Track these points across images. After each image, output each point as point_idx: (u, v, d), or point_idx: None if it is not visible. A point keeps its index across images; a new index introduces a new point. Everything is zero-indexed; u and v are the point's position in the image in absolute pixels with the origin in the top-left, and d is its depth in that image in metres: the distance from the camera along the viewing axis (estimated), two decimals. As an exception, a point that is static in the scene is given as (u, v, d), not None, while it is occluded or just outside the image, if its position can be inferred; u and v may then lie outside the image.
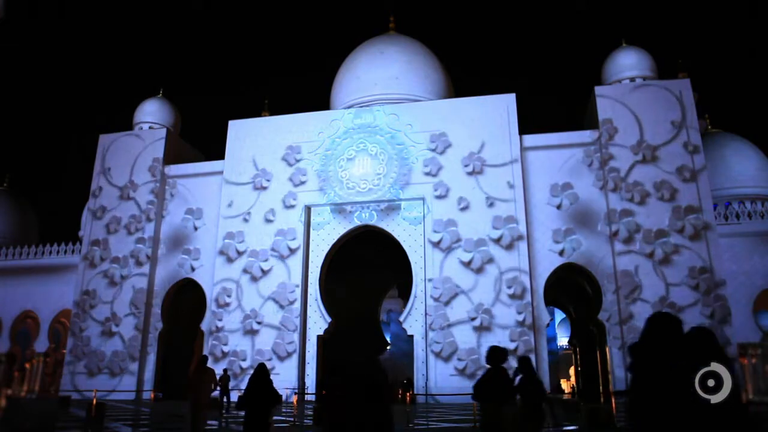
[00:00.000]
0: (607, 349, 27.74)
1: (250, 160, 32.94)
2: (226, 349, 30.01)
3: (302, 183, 31.77)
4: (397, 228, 30.73)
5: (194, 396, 13.11)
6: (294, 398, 27.29)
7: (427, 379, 27.46)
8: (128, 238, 33.77)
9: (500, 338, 27.18)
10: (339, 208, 31.49)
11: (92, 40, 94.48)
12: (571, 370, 50.35)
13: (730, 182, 36.02)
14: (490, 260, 28.52)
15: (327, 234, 31.45)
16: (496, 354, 8.00)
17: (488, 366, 8.04)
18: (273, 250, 30.95)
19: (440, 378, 27.36)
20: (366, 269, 37.27)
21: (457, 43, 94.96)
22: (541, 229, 29.22)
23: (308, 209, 31.76)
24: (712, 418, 4.24)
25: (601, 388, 30.42)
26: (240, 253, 31.34)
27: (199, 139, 48.45)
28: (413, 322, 29.08)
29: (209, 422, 16.08)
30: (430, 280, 28.88)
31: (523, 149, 30.44)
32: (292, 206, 31.52)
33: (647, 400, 4.26)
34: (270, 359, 28.76)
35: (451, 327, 27.90)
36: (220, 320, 30.50)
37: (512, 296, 27.78)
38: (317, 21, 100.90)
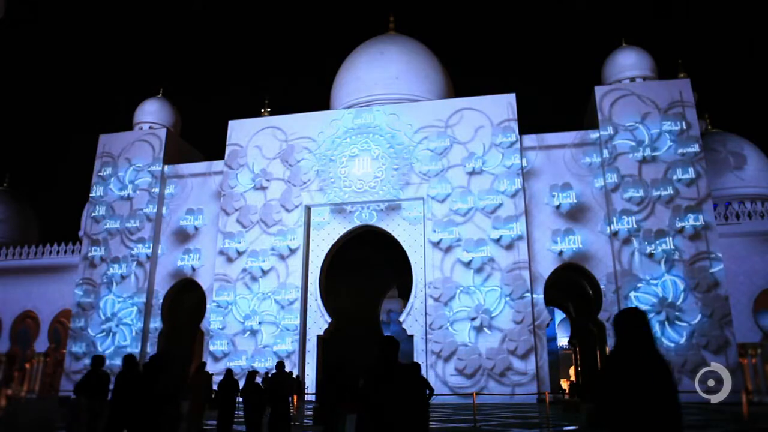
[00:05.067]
0: (607, 349, 27.74)
1: (250, 160, 32.94)
2: (226, 349, 30.02)
3: (302, 183, 31.77)
4: (397, 228, 30.73)
5: (193, 397, 13.76)
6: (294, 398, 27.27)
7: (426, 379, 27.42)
8: (128, 238, 33.78)
9: (499, 338, 27.21)
10: (339, 208, 31.49)
11: (92, 40, 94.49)
12: (571, 370, 50.33)
13: (730, 182, 36.04)
14: (490, 260, 28.52)
15: (327, 234, 31.45)
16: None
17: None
18: (273, 250, 30.95)
19: (440, 378, 27.35)
20: (366, 269, 37.27)
21: (457, 43, 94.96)
22: (541, 229, 29.22)
23: (308, 209, 31.76)
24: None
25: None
26: (240, 253, 31.34)
27: (199, 139, 48.49)
28: (413, 322, 29.08)
29: (208, 422, 16.12)
30: (430, 281, 28.88)
31: (523, 149, 30.45)
32: (292, 206, 31.52)
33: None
34: (270, 359, 28.77)
35: (451, 327, 27.90)
36: (220, 320, 30.50)
37: (512, 296, 27.77)
38: (317, 21, 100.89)
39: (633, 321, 4.17)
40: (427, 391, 8.28)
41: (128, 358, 9.94)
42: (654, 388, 3.92)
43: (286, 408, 12.48)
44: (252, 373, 13.53)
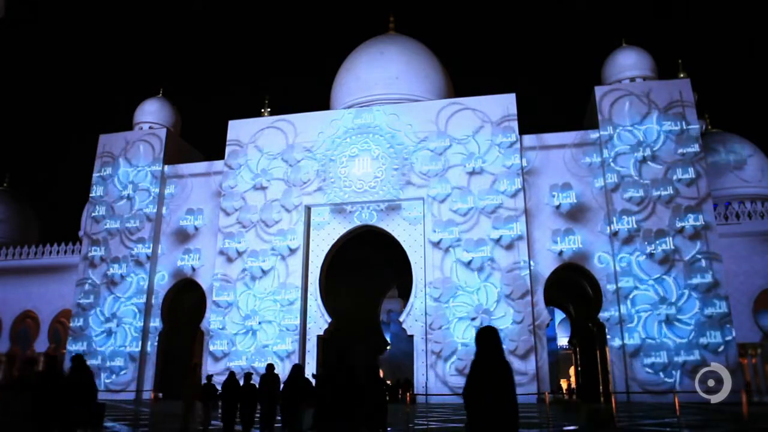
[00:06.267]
0: (607, 349, 27.74)
1: (250, 160, 32.94)
2: (226, 349, 30.02)
3: (302, 183, 31.76)
4: (397, 228, 30.72)
5: (186, 395, 15.19)
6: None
7: (427, 379, 27.45)
8: (128, 238, 33.77)
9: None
10: (339, 208, 31.48)
11: (92, 39, 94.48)
12: (571, 370, 50.34)
13: (730, 182, 36.04)
14: (490, 260, 28.52)
15: (327, 234, 31.44)
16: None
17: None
18: (273, 250, 30.94)
19: (440, 378, 27.35)
20: (366, 269, 37.26)
21: (457, 43, 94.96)
22: (541, 229, 29.21)
23: (308, 209, 31.75)
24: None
25: (601, 388, 30.43)
26: (240, 253, 31.34)
27: (199, 139, 48.48)
28: (413, 322, 29.07)
29: (213, 422, 16.22)
30: (430, 281, 28.87)
31: (523, 149, 30.44)
32: (292, 206, 31.51)
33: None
34: (270, 359, 28.76)
35: (451, 327, 27.89)
36: (220, 320, 30.50)
37: (512, 296, 27.76)
38: (317, 21, 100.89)
39: (486, 336, 5.48)
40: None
41: (49, 358, 10.13)
42: (496, 385, 5.23)
43: (271, 408, 13.69)
44: (248, 375, 14.89)
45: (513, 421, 5.15)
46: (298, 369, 12.88)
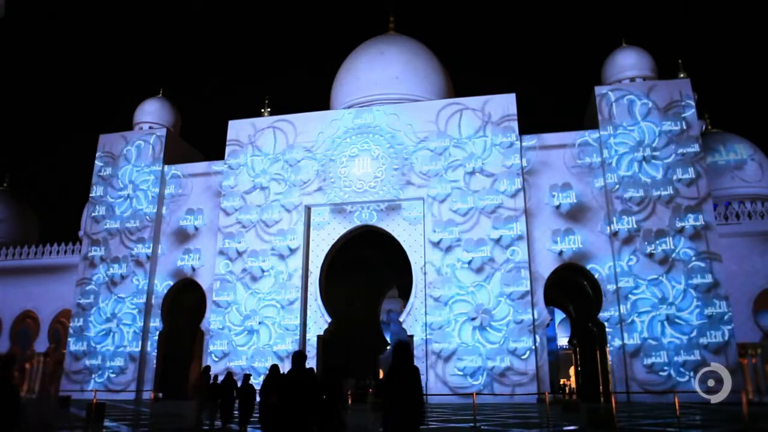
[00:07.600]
0: (607, 349, 27.74)
1: (250, 160, 32.94)
2: (226, 349, 30.02)
3: (302, 183, 31.76)
4: (397, 228, 30.72)
5: (199, 397, 16.07)
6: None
7: (427, 379, 27.43)
8: (128, 238, 33.77)
9: (499, 338, 27.22)
10: (339, 208, 31.48)
11: (92, 39, 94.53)
12: (571, 370, 50.34)
13: (730, 182, 36.03)
14: (490, 260, 28.51)
15: (327, 234, 31.44)
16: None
17: None
18: (273, 250, 30.94)
19: (440, 378, 27.34)
20: (366, 269, 37.24)
21: (457, 43, 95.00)
22: (541, 229, 29.22)
23: (308, 209, 31.75)
24: None
25: (601, 388, 30.42)
26: (240, 253, 31.34)
27: (199, 139, 48.46)
28: (413, 322, 29.07)
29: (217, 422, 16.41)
30: (430, 281, 28.87)
31: (523, 149, 30.45)
32: (292, 206, 31.51)
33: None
34: (270, 359, 28.76)
35: (451, 327, 27.88)
36: (221, 320, 30.49)
37: (512, 296, 27.77)
38: (317, 21, 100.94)
39: (400, 350, 7.21)
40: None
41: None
42: (406, 385, 6.89)
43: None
44: (246, 376, 15.80)
45: (418, 412, 6.83)
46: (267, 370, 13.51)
